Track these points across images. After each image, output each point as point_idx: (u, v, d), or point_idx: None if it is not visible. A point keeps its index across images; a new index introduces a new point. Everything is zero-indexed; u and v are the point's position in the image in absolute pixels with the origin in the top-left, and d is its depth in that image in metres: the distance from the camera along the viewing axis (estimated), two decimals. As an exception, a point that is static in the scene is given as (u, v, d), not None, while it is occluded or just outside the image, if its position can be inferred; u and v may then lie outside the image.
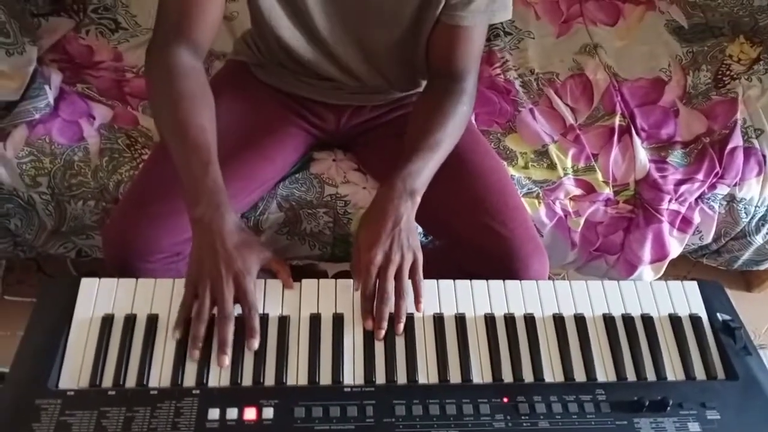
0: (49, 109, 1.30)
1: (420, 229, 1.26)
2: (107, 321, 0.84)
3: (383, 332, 0.85)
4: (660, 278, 1.45)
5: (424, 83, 1.19)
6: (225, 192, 0.89)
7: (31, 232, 1.36)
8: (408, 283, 0.89)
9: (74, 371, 0.81)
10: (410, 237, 0.91)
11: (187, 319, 0.83)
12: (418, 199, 0.95)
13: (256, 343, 0.82)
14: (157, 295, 0.88)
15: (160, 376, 0.81)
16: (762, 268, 1.59)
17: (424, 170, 0.96)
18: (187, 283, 0.85)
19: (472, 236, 1.09)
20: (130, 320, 0.85)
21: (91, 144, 1.30)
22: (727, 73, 1.56)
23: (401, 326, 0.85)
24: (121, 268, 1.02)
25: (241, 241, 0.87)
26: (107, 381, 0.80)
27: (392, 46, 1.07)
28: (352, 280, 0.90)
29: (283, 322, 0.86)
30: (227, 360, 0.80)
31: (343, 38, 1.05)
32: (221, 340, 0.81)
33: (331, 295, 0.89)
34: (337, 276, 1.54)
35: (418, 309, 0.88)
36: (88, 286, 0.88)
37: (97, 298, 0.87)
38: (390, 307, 0.86)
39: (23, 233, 1.36)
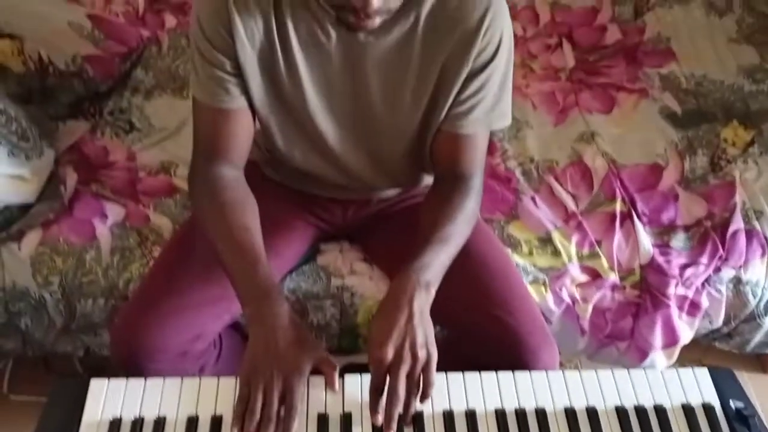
0: (63, 209, 1.34)
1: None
2: (115, 425, 0.84)
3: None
4: (674, 363, 1.43)
5: (430, 178, 1.23)
6: (277, 287, 0.93)
7: (40, 331, 1.37)
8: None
9: (82, 477, 0.80)
10: (425, 332, 0.89)
11: (242, 415, 0.84)
12: (433, 292, 0.93)
13: None
14: (165, 396, 0.88)
15: (167, 481, 0.80)
16: (775, 349, 1.57)
17: (437, 263, 0.95)
18: (241, 380, 0.87)
19: (480, 327, 1.09)
20: (138, 424, 0.84)
21: (102, 243, 1.33)
22: (723, 156, 1.59)
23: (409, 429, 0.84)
24: (128, 368, 1.02)
25: (294, 338, 0.88)
26: (114, 487, 0.79)
27: (400, 155, 1.11)
28: (359, 375, 0.90)
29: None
30: None
31: (352, 150, 1.09)
32: None
33: (339, 393, 0.89)
34: (345, 370, 1.52)
35: (421, 402, 0.86)
36: (98, 387, 0.88)
37: (106, 399, 0.87)
38: (399, 408, 0.84)
39: (33, 332, 1.37)
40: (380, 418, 0.84)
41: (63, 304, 1.32)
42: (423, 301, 0.91)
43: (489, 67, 0.98)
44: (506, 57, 1.00)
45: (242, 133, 1.04)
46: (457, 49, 0.96)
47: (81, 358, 1.51)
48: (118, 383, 0.89)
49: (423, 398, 0.87)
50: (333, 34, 0.95)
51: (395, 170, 1.16)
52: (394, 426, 0.83)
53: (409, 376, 0.86)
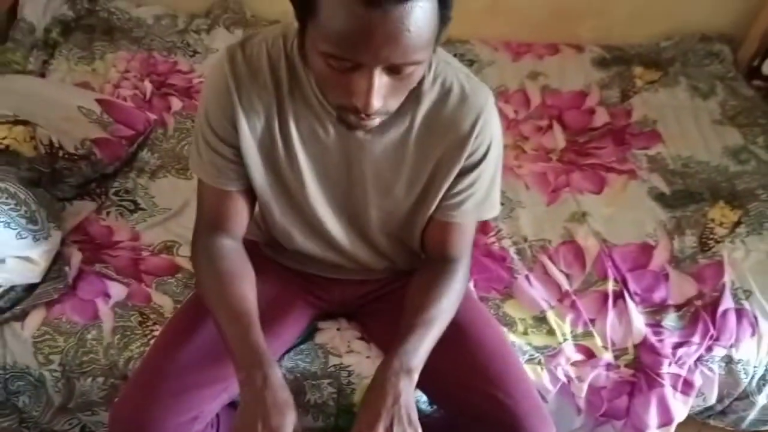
0: (67, 289, 1.37)
1: (424, 397, 1.28)
2: None
3: None
4: (670, 442, 1.44)
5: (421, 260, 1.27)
6: (267, 352, 0.97)
7: (38, 409, 1.37)
8: None
9: None
10: (410, 414, 0.94)
11: None
12: (416, 377, 0.98)
13: None
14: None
15: None
16: (771, 428, 1.57)
17: (420, 348, 1.00)
18: None
19: (477, 406, 1.10)
20: None
21: (104, 322, 1.35)
22: (711, 236, 1.64)
23: None
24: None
25: (282, 399, 0.94)
26: None
27: (391, 239, 1.17)
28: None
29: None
30: None
31: (346, 233, 1.15)
32: None
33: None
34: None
35: None
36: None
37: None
38: None
39: (30, 410, 1.37)
40: None
41: (62, 383, 1.33)
42: (407, 386, 0.96)
43: (480, 166, 1.05)
44: (496, 157, 1.07)
45: (242, 211, 1.11)
46: (450, 150, 1.03)
47: (76, 437, 1.50)
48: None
49: None
50: (332, 131, 1.02)
51: (387, 252, 1.21)
52: None
53: None
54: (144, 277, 1.45)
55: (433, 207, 1.09)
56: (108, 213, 1.59)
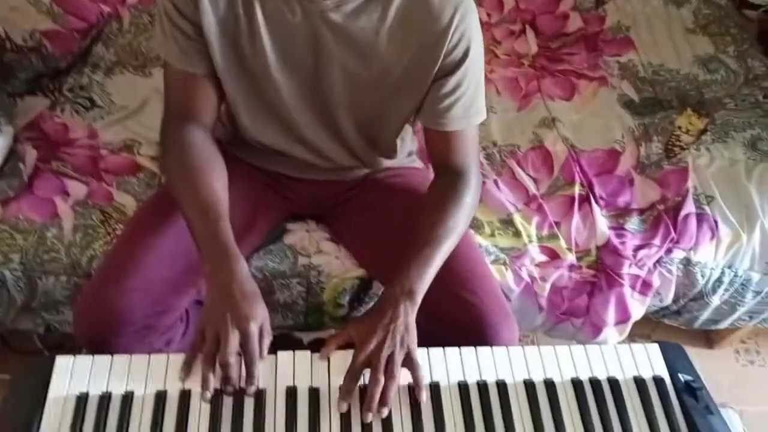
0: (23, 186, 1.32)
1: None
2: (82, 400, 0.85)
3: (371, 415, 0.86)
4: (625, 339, 1.50)
5: (391, 161, 1.25)
6: (234, 246, 0.95)
7: (1, 309, 1.35)
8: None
9: (49, 451, 0.80)
10: (406, 336, 0.92)
11: (190, 362, 0.89)
12: (418, 300, 0.97)
13: (252, 389, 0.87)
14: (132, 372, 0.89)
15: (136, 454, 0.81)
16: (721, 326, 1.65)
17: (425, 271, 0.98)
18: (196, 330, 0.91)
19: (444, 305, 1.11)
20: (105, 399, 0.85)
21: (64, 220, 1.31)
22: (677, 143, 1.65)
23: (386, 410, 0.87)
24: (93, 343, 1.02)
25: (250, 290, 0.93)
26: (83, 461, 0.79)
27: (358, 135, 1.14)
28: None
29: (259, 396, 0.87)
30: (230, 390, 0.87)
31: (312, 124, 1.11)
32: (224, 379, 0.86)
33: (307, 368, 0.91)
34: (312, 344, 1.54)
35: (420, 398, 0.89)
36: (63, 363, 0.89)
37: (72, 376, 0.88)
38: (379, 391, 0.87)
39: (-8, 310, 1.35)
40: (345, 406, 0.87)
41: (23, 282, 1.30)
42: (407, 309, 0.95)
43: (462, 66, 1.00)
44: (478, 57, 1.03)
45: (210, 97, 1.06)
46: (426, 46, 0.98)
47: (41, 335, 1.49)
48: (85, 360, 0.90)
49: (419, 391, 0.89)
50: (299, 11, 0.97)
51: (357, 151, 1.18)
52: (375, 407, 0.86)
53: (389, 361, 0.89)
54: (104, 176, 1.40)
55: (411, 108, 1.06)
56: (63, 110, 1.52)
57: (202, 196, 0.99)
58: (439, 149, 1.10)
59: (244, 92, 1.07)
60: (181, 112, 1.06)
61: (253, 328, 0.89)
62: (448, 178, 1.10)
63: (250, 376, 0.87)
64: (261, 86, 1.05)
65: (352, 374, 0.89)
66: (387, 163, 1.26)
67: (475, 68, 1.04)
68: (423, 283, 0.98)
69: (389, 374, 0.88)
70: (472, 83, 1.04)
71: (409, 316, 0.94)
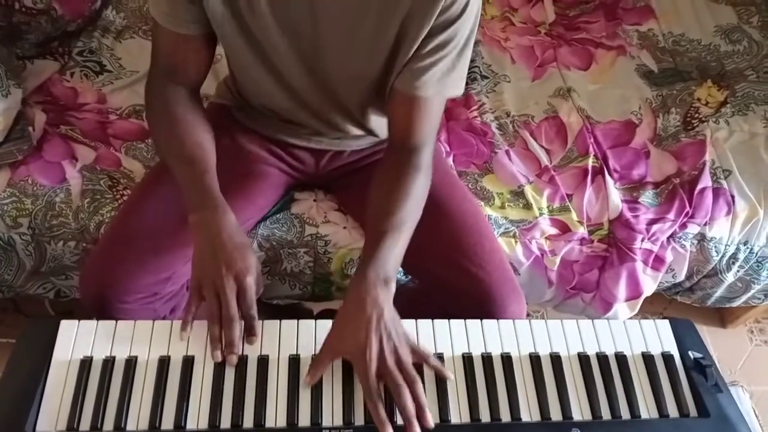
0: (31, 150, 1.31)
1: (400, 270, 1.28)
2: (86, 363, 0.85)
3: (418, 428, 0.80)
4: (636, 315, 1.48)
5: None
6: (221, 197, 0.94)
7: (10, 273, 1.36)
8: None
9: (52, 414, 0.81)
10: (396, 327, 0.87)
11: (188, 322, 0.88)
12: (393, 286, 0.91)
13: (254, 340, 0.87)
14: (136, 337, 0.89)
15: (138, 419, 0.81)
16: (735, 304, 1.62)
17: (392, 255, 0.93)
18: (192, 287, 0.90)
19: (450, 278, 1.11)
20: (109, 363, 0.85)
21: (73, 185, 1.31)
22: (696, 115, 1.61)
23: (429, 417, 0.82)
24: (98, 308, 1.03)
25: (240, 242, 0.91)
26: (85, 424, 0.80)
27: (357, 98, 1.10)
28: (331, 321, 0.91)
29: (263, 362, 0.87)
30: (235, 359, 0.85)
31: (311, 86, 1.07)
32: (228, 341, 0.85)
33: (311, 336, 0.90)
34: (321, 315, 1.55)
35: (448, 377, 0.87)
36: (68, 327, 0.89)
37: (76, 339, 0.88)
38: (410, 398, 0.82)
39: (2, 273, 1.36)
40: (389, 429, 0.80)
41: (32, 246, 1.31)
42: (387, 297, 0.89)
43: (452, 28, 0.94)
44: (471, 23, 0.96)
45: (199, 59, 1.04)
46: (420, 5, 0.92)
47: (51, 300, 1.50)
48: (89, 324, 0.90)
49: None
50: None
51: (359, 118, 1.15)
52: (416, 426, 0.81)
53: (401, 368, 0.84)
54: (112, 141, 1.40)
55: (399, 68, 0.99)
56: (72, 74, 1.51)
57: (188, 150, 0.98)
58: (401, 116, 1.02)
59: (248, 58, 1.04)
60: (168, 70, 1.04)
61: (250, 281, 0.89)
62: (404, 157, 1.02)
63: (251, 328, 0.87)
64: (264, 51, 1.02)
65: (373, 401, 0.81)
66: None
67: (463, 34, 0.96)
68: (395, 269, 0.93)
69: (409, 378, 0.83)
70: (457, 48, 0.97)
71: (390, 305, 0.89)
